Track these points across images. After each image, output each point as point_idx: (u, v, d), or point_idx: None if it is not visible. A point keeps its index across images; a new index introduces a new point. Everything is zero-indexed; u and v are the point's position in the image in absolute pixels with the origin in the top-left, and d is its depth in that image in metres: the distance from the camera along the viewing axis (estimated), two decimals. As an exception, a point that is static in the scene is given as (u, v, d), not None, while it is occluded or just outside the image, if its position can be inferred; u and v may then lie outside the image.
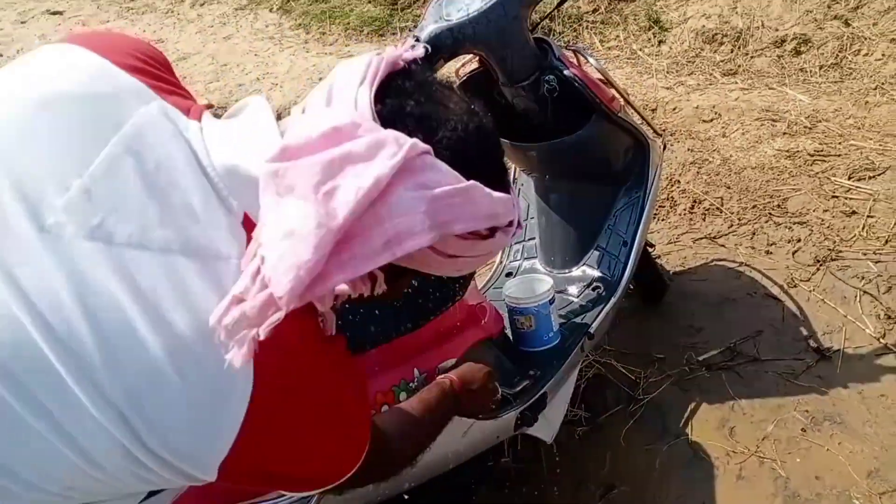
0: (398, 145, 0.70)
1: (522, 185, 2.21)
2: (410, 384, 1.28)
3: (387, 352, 1.26)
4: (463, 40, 1.72)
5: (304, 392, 0.77)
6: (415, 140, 0.72)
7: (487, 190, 0.77)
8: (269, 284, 0.68)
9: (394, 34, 4.52)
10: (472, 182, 0.75)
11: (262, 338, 0.68)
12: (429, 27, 1.74)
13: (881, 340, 2.08)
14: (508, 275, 2.12)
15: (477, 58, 1.94)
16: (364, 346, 1.21)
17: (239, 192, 0.76)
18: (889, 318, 2.13)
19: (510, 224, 0.83)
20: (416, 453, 1.11)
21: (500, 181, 0.84)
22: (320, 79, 4.23)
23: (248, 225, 0.76)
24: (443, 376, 1.22)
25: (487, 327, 1.60)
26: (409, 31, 4.50)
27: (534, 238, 2.15)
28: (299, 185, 0.69)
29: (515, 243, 2.17)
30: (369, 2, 4.62)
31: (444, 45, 1.71)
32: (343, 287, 0.77)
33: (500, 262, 2.16)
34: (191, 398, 0.70)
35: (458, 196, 0.74)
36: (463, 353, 1.44)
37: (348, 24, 4.66)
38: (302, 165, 0.69)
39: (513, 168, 2.22)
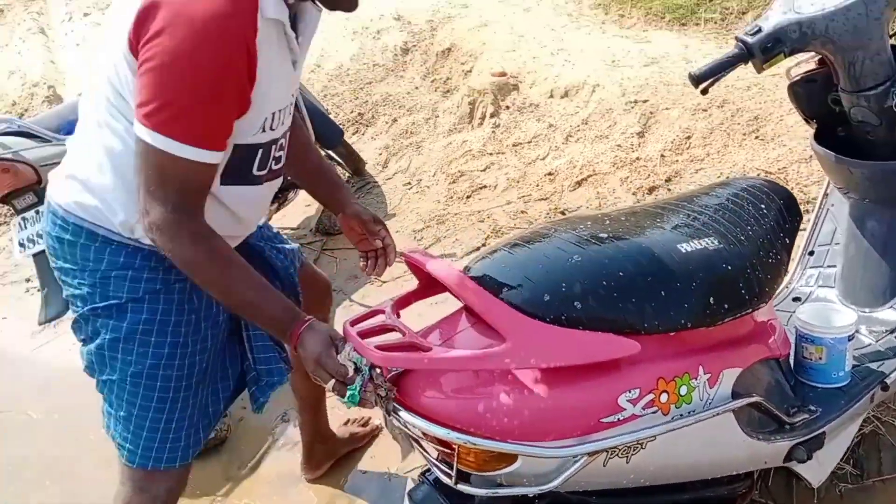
0: None
1: (833, 205, 1.99)
2: (693, 381, 1.22)
3: (678, 340, 1.22)
4: (811, 36, 1.61)
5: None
6: None
7: None
8: None
9: (697, 24, 4.29)
10: None
11: None
12: (775, 17, 1.63)
13: None
14: (795, 300, 1.94)
15: (817, 58, 1.79)
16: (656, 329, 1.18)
17: None
18: None
19: None
20: (193, 269, 1.22)
21: None
22: (613, 61, 4.08)
23: None
24: (311, 318, 1.25)
25: (774, 347, 1.49)
26: (715, 23, 4.26)
27: (834, 266, 1.94)
28: None
29: (811, 267, 1.98)
30: (676, -13, 4.42)
31: (789, 38, 1.61)
32: None
33: (789, 284, 1.98)
34: None
35: None
36: (747, 367, 1.35)
37: (650, 8, 4.51)
38: None
39: (826, 182, 2.01)
